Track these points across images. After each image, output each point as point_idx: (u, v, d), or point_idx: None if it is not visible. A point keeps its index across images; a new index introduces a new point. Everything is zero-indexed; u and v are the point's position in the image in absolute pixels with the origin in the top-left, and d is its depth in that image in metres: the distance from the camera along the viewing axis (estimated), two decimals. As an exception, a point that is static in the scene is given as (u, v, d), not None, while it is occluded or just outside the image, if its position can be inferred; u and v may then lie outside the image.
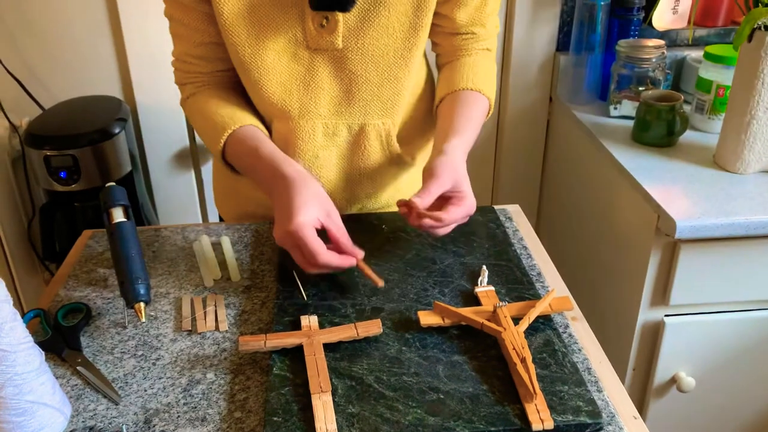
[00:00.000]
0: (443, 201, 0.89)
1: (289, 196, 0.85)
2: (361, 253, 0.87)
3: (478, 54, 1.06)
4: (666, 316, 1.30)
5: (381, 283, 0.86)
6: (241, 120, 0.97)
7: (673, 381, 1.34)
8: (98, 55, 1.67)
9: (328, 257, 0.83)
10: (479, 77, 1.03)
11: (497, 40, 1.10)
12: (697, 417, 1.40)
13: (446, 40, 1.06)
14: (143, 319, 0.83)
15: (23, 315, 0.85)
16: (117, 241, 0.88)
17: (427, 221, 0.85)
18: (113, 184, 0.94)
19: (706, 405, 1.38)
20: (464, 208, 0.88)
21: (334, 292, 0.87)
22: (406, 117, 1.07)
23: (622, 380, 1.38)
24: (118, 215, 0.91)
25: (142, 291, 0.83)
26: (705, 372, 1.34)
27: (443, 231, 0.88)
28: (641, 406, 1.40)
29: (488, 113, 1.05)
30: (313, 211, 0.84)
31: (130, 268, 0.85)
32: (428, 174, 0.89)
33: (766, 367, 1.34)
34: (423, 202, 0.85)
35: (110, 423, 0.71)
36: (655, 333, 1.32)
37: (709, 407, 1.39)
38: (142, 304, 0.83)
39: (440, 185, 0.87)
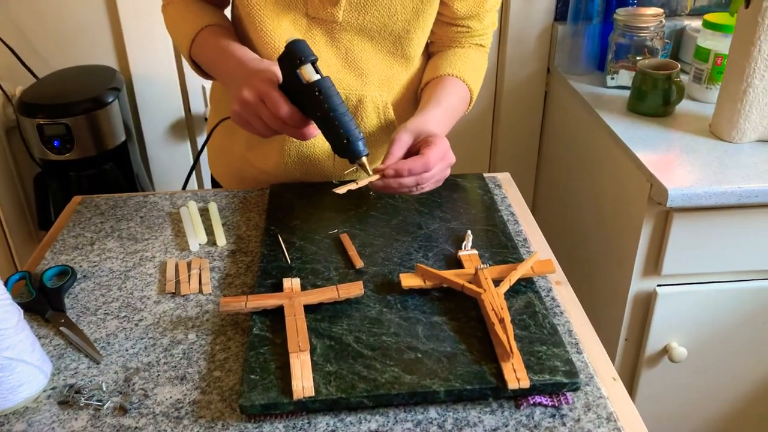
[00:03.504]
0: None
1: (250, 63, 0.88)
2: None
3: (471, 48, 1.07)
4: (658, 286, 1.29)
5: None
6: (209, 21, 0.98)
7: (665, 351, 1.34)
8: (92, 25, 1.66)
9: (292, 109, 0.82)
10: (466, 67, 1.03)
11: (492, 34, 1.09)
12: (688, 387, 1.40)
13: (441, 30, 1.05)
14: (371, 172, 0.85)
15: (8, 278, 0.86)
16: (322, 99, 0.82)
17: (407, 180, 0.85)
18: (296, 38, 0.83)
19: (697, 375, 1.38)
20: (440, 148, 0.87)
21: (318, 256, 0.87)
22: (403, 89, 1.07)
23: (614, 350, 1.38)
24: (311, 72, 0.82)
25: (361, 146, 0.84)
26: (697, 342, 1.34)
27: (429, 180, 0.87)
28: (633, 376, 1.40)
29: (469, 105, 1.05)
30: (277, 69, 0.85)
31: (346, 125, 0.83)
32: (389, 142, 0.89)
33: (758, 338, 1.34)
34: (387, 165, 0.86)
35: (90, 381, 0.71)
36: (647, 303, 1.31)
37: (701, 377, 1.39)
38: (364, 158, 0.84)
39: (400, 144, 0.88)
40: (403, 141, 0.88)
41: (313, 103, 0.82)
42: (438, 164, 0.87)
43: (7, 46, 1.60)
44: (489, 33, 1.08)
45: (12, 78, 1.64)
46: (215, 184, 1.22)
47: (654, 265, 1.27)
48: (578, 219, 1.61)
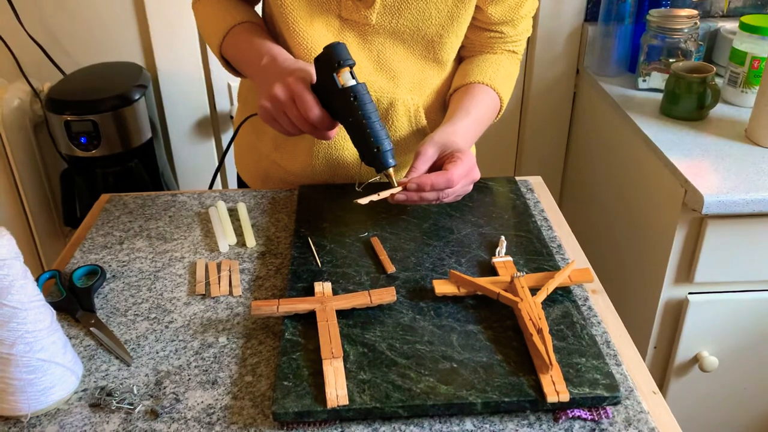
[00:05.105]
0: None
1: (285, 62, 0.87)
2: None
3: (503, 54, 1.05)
4: (690, 293, 1.27)
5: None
6: (241, 18, 0.97)
7: (696, 360, 1.32)
8: (119, 22, 1.66)
9: (322, 113, 0.82)
10: (497, 75, 1.01)
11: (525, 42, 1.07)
12: (718, 397, 1.37)
13: (473, 34, 1.03)
14: (396, 184, 0.84)
15: (39, 276, 0.85)
16: (356, 105, 0.81)
17: (428, 195, 0.84)
18: (336, 41, 0.83)
19: (728, 385, 1.35)
20: (465, 165, 0.86)
21: (348, 259, 0.86)
22: (435, 94, 1.05)
23: (643, 358, 1.35)
24: (348, 77, 0.82)
25: (390, 157, 0.83)
26: (728, 352, 1.31)
27: (450, 195, 0.86)
28: (662, 385, 1.37)
29: (498, 113, 1.03)
30: (312, 70, 0.84)
31: (377, 134, 0.82)
32: (414, 154, 0.88)
33: (793, 349, 1.31)
34: (410, 179, 0.84)
35: (121, 383, 0.71)
36: (678, 311, 1.29)
37: (732, 388, 1.36)
38: (391, 169, 0.84)
39: (425, 158, 0.86)
40: (428, 155, 0.87)
41: (347, 108, 0.81)
42: (461, 181, 0.86)
43: (36, 42, 1.61)
44: (522, 39, 1.06)
45: (40, 74, 1.64)
46: (240, 182, 1.22)
47: (686, 272, 1.25)
48: (607, 224, 1.59)
